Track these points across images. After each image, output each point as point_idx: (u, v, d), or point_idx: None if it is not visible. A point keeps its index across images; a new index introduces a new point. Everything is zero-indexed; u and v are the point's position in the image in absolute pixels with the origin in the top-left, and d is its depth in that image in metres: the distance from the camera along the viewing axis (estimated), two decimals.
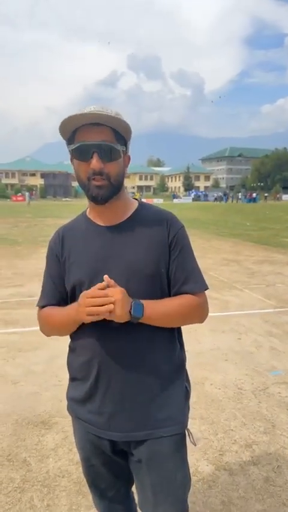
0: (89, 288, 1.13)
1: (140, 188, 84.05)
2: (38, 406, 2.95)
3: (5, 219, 20.89)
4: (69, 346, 1.34)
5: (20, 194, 59.03)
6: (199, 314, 1.28)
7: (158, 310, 1.17)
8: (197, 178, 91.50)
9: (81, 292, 1.15)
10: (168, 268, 1.23)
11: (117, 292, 1.09)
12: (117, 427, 1.23)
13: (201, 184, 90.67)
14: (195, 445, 1.34)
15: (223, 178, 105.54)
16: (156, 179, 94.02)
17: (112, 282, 1.10)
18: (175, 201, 55.14)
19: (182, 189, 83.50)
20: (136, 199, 1.36)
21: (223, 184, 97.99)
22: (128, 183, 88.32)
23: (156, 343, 1.22)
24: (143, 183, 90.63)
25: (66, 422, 2.68)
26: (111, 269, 1.18)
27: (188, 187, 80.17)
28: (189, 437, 1.31)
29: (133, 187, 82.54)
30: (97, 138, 1.13)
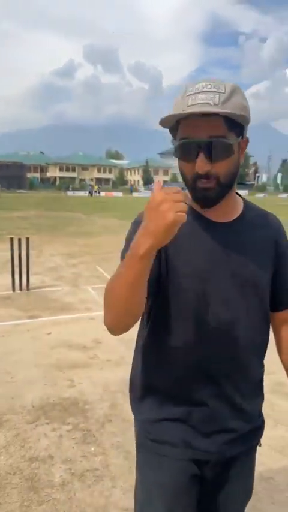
0: (195, 295, 0.99)
1: (98, 181, 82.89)
2: None
3: None
4: (144, 363, 1.11)
5: None
6: None
7: None
8: (156, 172, 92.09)
9: (185, 297, 0.99)
10: (274, 280, 1.07)
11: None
12: (221, 443, 1.06)
13: (160, 178, 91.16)
14: None
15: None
16: (115, 172, 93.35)
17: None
18: (134, 194, 54.80)
19: (141, 182, 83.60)
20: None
21: (181, 179, 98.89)
22: (86, 175, 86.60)
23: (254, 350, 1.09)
24: (101, 175, 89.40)
25: (18, 419, 2.63)
26: (221, 273, 1.01)
27: (147, 181, 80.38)
28: None
29: (91, 180, 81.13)
30: (204, 134, 0.89)
